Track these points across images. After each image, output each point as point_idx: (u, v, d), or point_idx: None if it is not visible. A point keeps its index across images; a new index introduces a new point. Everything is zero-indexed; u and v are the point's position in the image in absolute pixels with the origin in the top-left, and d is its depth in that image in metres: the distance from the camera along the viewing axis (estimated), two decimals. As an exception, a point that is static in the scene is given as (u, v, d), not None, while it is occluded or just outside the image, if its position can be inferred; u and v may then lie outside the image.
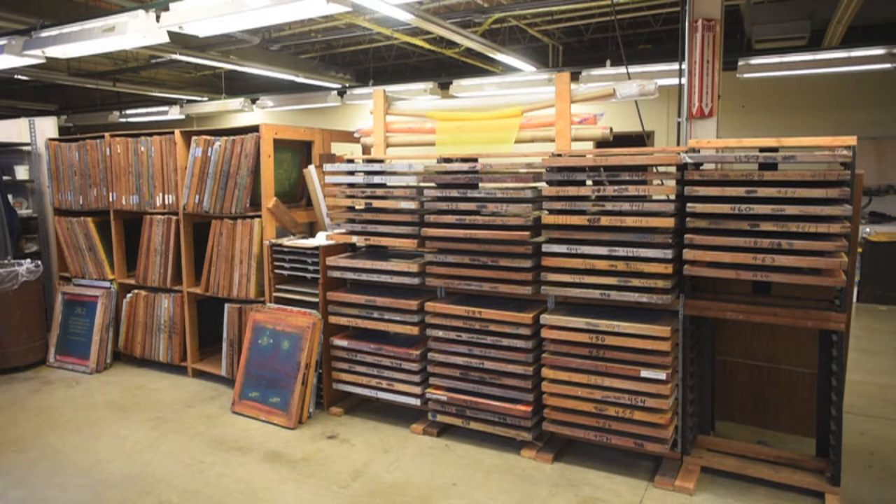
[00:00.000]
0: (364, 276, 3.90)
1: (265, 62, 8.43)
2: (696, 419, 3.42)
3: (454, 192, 3.56)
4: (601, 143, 3.90)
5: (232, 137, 4.36)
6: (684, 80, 4.49)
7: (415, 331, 3.70)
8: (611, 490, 3.10)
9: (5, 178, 5.72)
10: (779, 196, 2.79)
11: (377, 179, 3.83)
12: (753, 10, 6.69)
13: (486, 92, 8.06)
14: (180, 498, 3.10)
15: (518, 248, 3.39)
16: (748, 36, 7.21)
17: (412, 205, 3.71)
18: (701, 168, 3.05)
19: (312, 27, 7.66)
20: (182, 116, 10.99)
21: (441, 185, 3.62)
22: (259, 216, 4.33)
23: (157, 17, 4.29)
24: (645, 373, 3.04)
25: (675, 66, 4.92)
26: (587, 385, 3.18)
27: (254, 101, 10.13)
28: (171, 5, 4.21)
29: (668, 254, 2.99)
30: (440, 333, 3.58)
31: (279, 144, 4.47)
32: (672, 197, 3.16)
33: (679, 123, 4.63)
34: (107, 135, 5.06)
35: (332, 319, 4.01)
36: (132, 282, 5.10)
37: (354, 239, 3.96)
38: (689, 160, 3.00)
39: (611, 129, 3.64)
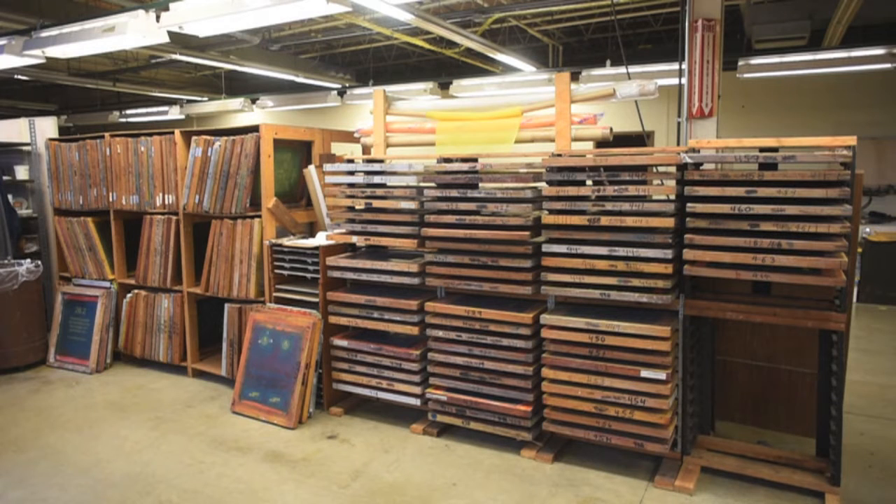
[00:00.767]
0: (364, 276, 3.90)
1: (265, 62, 8.43)
2: (696, 419, 3.42)
3: (454, 192, 3.56)
4: (601, 143, 3.90)
5: (232, 137, 4.36)
6: (684, 80, 4.49)
7: (415, 331, 3.70)
8: (611, 490, 3.10)
9: (5, 178, 5.72)
10: (779, 196, 2.79)
11: (377, 179, 3.83)
12: (753, 10, 6.69)
13: (486, 92, 8.06)
14: (180, 498, 3.10)
15: (518, 248, 3.39)
16: (748, 36, 7.21)
17: (412, 205, 3.71)
18: (701, 168, 3.05)
19: (312, 27, 7.66)
20: (182, 116, 10.99)
21: (441, 185, 3.62)
22: (259, 216, 4.33)
23: (157, 17, 4.29)
24: (645, 373, 3.04)
25: (675, 66, 4.92)
26: (587, 385, 3.18)
27: (254, 101, 10.12)
28: (171, 5, 4.21)
29: (668, 254, 2.99)
30: (440, 333, 3.58)
31: (279, 144, 4.47)
32: (672, 197, 3.16)
33: (679, 123, 4.63)
34: (107, 135, 5.06)
35: (332, 319, 4.01)
36: (132, 282, 5.10)
37: (354, 239, 3.96)
38: (689, 160, 3.00)
39: (611, 129, 3.64)
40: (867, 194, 7.78)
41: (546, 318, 3.27)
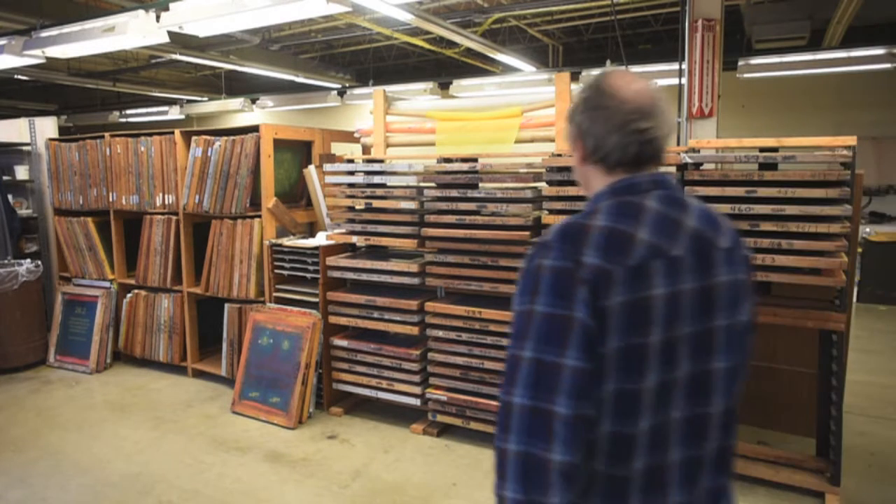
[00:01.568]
0: (364, 276, 3.90)
1: (265, 62, 8.42)
2: (696, 419, 3.41)
3: (454, 192, 3.56)
4: (601, 143, 3.90)
5: (232, 137, 4.36)
6: (684, 80, 4.49)
7: (415, 331, 3.69)
8: (611, 490, 3.10)
9: (5, 178, 5.72)
10: (779, 196, 2.79)
11: (377, 179, 3.83)
12: (753, 10, 6.69)
13: (486, 92, 8.05)
14: (180, 498, 3.10)
15: (518, 248, 3.39)
16: (748, 36, 7.20)
17: (412, 205, 3.71)
18: (701, 168, 3.05)
19: (312, 27, 7.66)
20: (182, 116, 10.98)
21: (441, 185, 3.62)
22: (259, 216, 4.33)
23: (157, 17, 4.29)
24: (645, 373, 3.03)
25: (675, 66, 4.91)
26: (587, 385, 3.17)
27: (254, 101, 10.12)
28: (171, 5, 4.21)
29: (668, 254, 2.99)
30: (440, 333, 3.58)
31: (279, 144, 4.47)
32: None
33: (679, 123, 4.63)
34: (107, 135, 5.06)
35: (332, 319, 4.01)
36: (132, 282, 5.10)
37: (354, 239, 3.96)
38: (689, 160, 3.00)
39: (611, 129, 3.63)
40: (867, 194, 7.77)
41: (546, 318, 3.26)
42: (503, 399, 1.08)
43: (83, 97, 12.52)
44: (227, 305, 4.53)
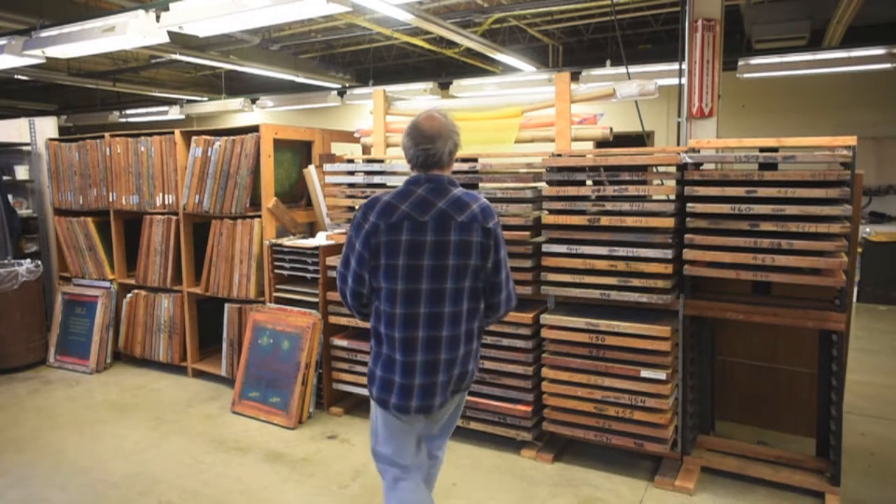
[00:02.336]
0: (364, 276, 3.89)
1: (265, 62, 8.42)
2: (696, 419, 3.42)
3: (454, 192, 3.56)
4: (601, 143, 3.90)
5: (232, 137, 4.36)
6: (684, 80, 4.49)
7: (415, 331, 3.69)
8: (611, 490, 3.10)
9: (5, 178, 5.72)
10: (779, 196, 2.79)
11: (377, 179, 3.83)
12: (753, 10, 6.69)
13: (486, 92, 8.05)
14: (180, 498, 3.10)
15: (518, 248, 3.39)
16: (748, 36, 7.21)
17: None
18: (701, 168, 3.05)
19: (312, 27, 7.66)
20: (182, 116, 10.98)
21: (441, 185, 3.61)
22: (259, 216, 4.33)
23: (157, 17, 4.29)
24: (645, 373, 3.04)
25: (675, 66, 4.91)
26: (587, 385, 3.18)
27: (254, 101, 10.12)
28: (171, 5, 4.21)
29: (668, 254, 2.99)
30: (440, 333, 3.57)
31: (279, 144, 4.47)
32: (672, 197, 3.15)
33: (679, 123, 4.63)
34: (107, 135, 5.06)
35: (332, 319, 4.01)
36: (132, 282, 5.10)
37: (354, 239, 3.95)
38: (689, 160, 3.00)
39: (611, 129, 3.64)
40: (867, 194, 7.77)
41: (546, 318, 3.27)
42: (338, 271, 2.22)
43: (83, 97, 12.52)
44: (227, 305, 4.53)
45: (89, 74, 9.27)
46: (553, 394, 3.28)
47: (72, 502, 3.09)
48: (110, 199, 5.07)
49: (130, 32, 4.27)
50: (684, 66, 4.48)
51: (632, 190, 3.08)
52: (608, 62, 7.36)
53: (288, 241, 4.24)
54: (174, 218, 4.75)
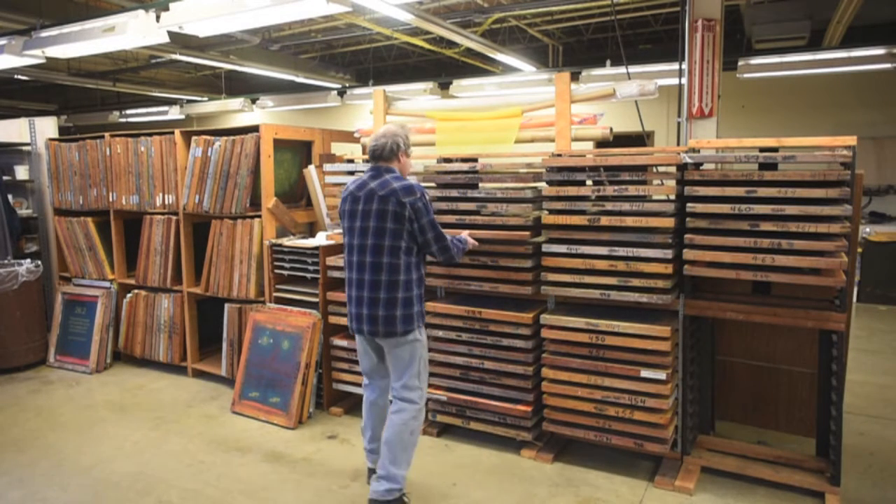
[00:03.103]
0: (364, 276, 3.89)
1: (265, 62, 8.42)
2: (696, 419, 3.42)
3: (454, 192, 3.56)
4: (601, 143, 3.90)
5: (232, 137, 4.36)
6: (684, 80, 4.49)
7: (415, 331, 3.69)
8: (611, 490, 3.10)
9: (5, 178, 5.71)
10: (779, 196, 2.79)
11: (377, 179, 3.82)
12: (753, 10, 6.69)
13: (486, 92, 8.05)
14: (180, 498, 3.10)
15: (518, 248, 3.39)
16: (748, 36, 7.21)
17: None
18: (701, 168, 3.05)
19: (312, 27, 7.66)
20: (182, 116, 10.98)
21: (441, 185, 3.62)
22: (259, 216, 4.33)
23: (157, 17, 4.29)
24: (645, 373, 3.04)
25: (675, 66, 4.91)
26: (587, 385, 3.18)
27: (254, 101, 10.12)
28: (171, 5, 4.21)
29: (668, 254, 2.99)
30: (440, 333, 3.57)
31: (279, 144, 4.47)
32: (672, 197, 3.16)
33: (679, 123, 4.63)
34: (107, 135, 5.06)
35: (332, 319, 4.01)
36: (132, 282, 5.10)
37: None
38: (689, 160, 3.00)
39: (611, 129, 3.64)
40: (867, 194, 7.77)
41: (546, 318, 3.27)
42: None
43: (83, 97, 12.52)
44: (227, 305, 4.53)
45: (89, 74, 9.27)
46: (553, 394, 3.28)
47: (72, 502, 3.09)
48: (110, 199, 5.07)
49: (130, 32, 4.27)
50: (684, 66, 4.48)
51: (632, 190, 3.08)
52: (608, 62, 7.36)
53: (288, 241, 4.24)
54: (174, 218, 4.75)
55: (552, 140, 3.75)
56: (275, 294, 4.28)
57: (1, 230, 5.37)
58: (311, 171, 4.55)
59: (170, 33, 4.42)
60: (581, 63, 8.25)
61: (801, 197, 2.76)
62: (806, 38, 6.71)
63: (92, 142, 5.13)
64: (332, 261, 3.97)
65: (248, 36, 7.10)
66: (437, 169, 3.63)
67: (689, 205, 2.96)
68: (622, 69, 6.83)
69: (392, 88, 8.46)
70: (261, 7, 3.90)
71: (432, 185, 3.67)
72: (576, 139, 3.71)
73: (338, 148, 5.19)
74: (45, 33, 4.88)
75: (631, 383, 3.07)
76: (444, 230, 2.97)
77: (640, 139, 6.91)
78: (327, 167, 4.03)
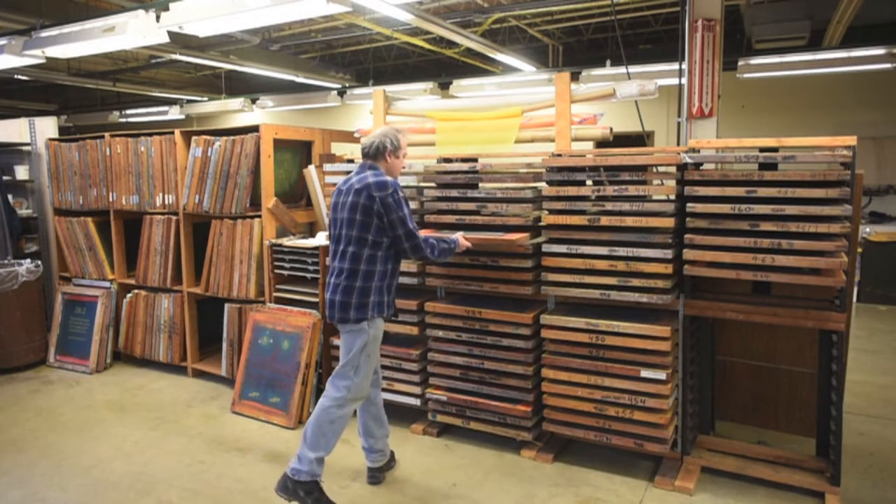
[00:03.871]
0: (364, 276, 3.89)
1: (265, 62, 8.42)
2: (696, 419, 3.42)
3: (454, 192, 3.56)
4: (601, 143, 3.90)
5: (232, 137, 4.36)
6: (684, 80, 4.50)
7: (415, 331, 3.69)
8: (611, 490, 3.10)
9: (5, 178, 5.71)
10: (779, 196, 2.79)
11: (377, 179, 3.82)
12: (753, 10, 6.69)
13: (486, 92, 8.05)
14: (180, 498, 3.10)
15: (518, 248, 3.39)
16: (748, 36, 7.21)
17: (412, 205, 3.71)
18: (701, 168, 3.05)
19: (312, 27, 7.66)
20: (182, 116, 10.98)
21: (441, 185, 3.62)
22: (259, 216, 4.33)
23: (157, 17, 4.29)
24: (645, 373, 3.04)
25: (675, 66, 4.91)
26: (587, 385, 3.18)
27: (254, 101, 10.12)
28: (171, 5, 4.21)
29: (668, 254, 2.99)
30: (440, 333, 3.58)
31: (279, 144, 4.47)
32: (672, 197, 3.15)
33: (679, 123, 4.63)
34: (107, 135, 5.06)
35: (332, 319, 4.00)
36: (132, 282, 5.10)
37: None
38: (689, 160, 3.00)
39: (611, 129, 3.64)
40: (867, 194, 7.77)
41: (546, 318, 3.27)
42: None
43: (83, 97, 12.52)
44: (227, 305, 4.53)
45: (89, 74, 9.27)
46: (553, 394, 3.28)
47: (72, 502, 3.09)
48: (110, 199, 5.07)
49: (130, 32, 4.27)
50: (684, 66, 4.48)
51: (632, 190, 3.08)
52: (608, 62, 7.36)
53: (288, 241, 4.24)
54: (174, 218, 4.75)
55: (552, 140, 3.75)
56: (275, 294, 4.28)
57: (1, 230, 5.37)
58: (311, 171, 4.55)
59: (170, 33, 4.42)
60: (581, 63, 8.26)
61: (801, 197, 2.76)
62: (806, 38, 6.71)
63: (92, 142, 5.13)
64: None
65: (248, 36, 7.10)
66: (437, 169, 3.63)
67: (689, 205, 2.96)
68: (622, 69, 6.83)
69: (392, 88, 8.46)
70: (261, 7, 3.90)
71: (432, 185, 3.67)
72: (576, 139, 3.71)
73: (338, 148, 5.19)
74: (45, 33, 4.88)
75: (631, 383, 3.07)
76: (439, 231, 3.04)
77: (640, 139, 6.91)
78: (327, 167, 4.03)
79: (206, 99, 10.89)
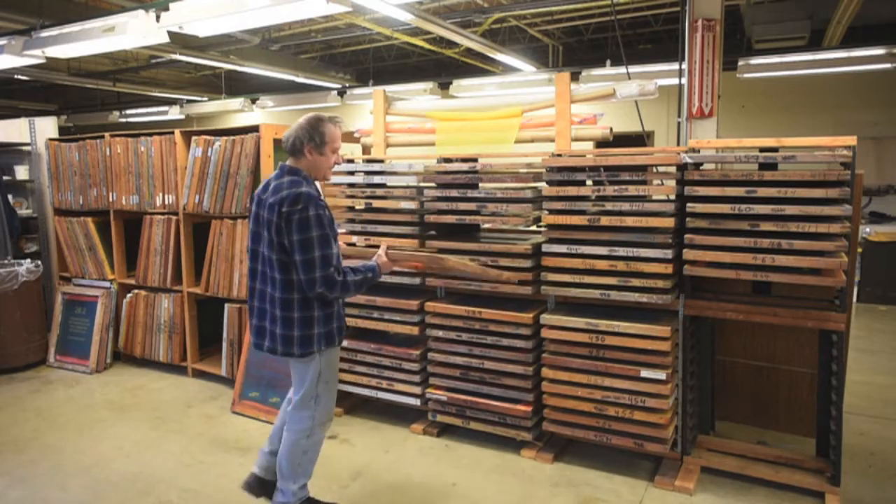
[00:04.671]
0: (364, 276, 3.89)
1: (265, 62, 8.42)
2: (696, 419, 3.42)
3: (454, 192, 3.56)
4: (601, 143, 3.90)
5: (232, 137, 4.36)
6: (684, 80, 4.50)
7: (415, 331, 3.69)
8: (611, 490, 3.10)
9: (5, 178, 5.72)
10: (779, 196, 2.79)
11: (377, 179, 3.83)
12: (753, 10, 6.70)
13: (486, 92, 8.06)
14: (180, 498, 3.10)
15: (518, 248, 3.39)
16: (748, 36, 7.21)
17: (412, 205, 3.71)
18: (701, 168, 3.05)
19: (312, 27, 7.66)
20: (182, 116, 10.99)
21: (441, 185, 3.62)
22: (259, 216, 4.32)
23: (157, 17, 4.29)
24: (645, 373, 3.04)
25: (675, 66, 4.91)
26: (587, 385, 3.18)
27: (254, 101, 10.12)
28: (171, 5, 4.21)
29: (668, 254, 2.99)
30: (440, 333, 3.58)
31: (279, 144, 4.46)
32: (672, 197, 3.15)
33: (679, 123, 4.64)
34: (107, 135, 5.06)
35: (332, 319, 4.00)
36: (132, 282, 5.09)
37: (354, 239, 3.95)
38: (689, 160, 3.00)
39: (611, 129, 3.64)
40: (867, 194, 7.77)
41: (546, 318, 3.27)
42: None
43: (83, 97, 12.52)
44: (227, 305, 4.53)
45: (89, 74, 9.28)
46: (553, 394, 3.28)
47: (72, 502, 3.09)
48: (110, 199, 5.07)
49: (130, 32, 4.28)
50: (684, 66, 4.49)
51: (632, 190, 3.08)
52: (608, 62, 7.36)
53: (288, 241, 4.24)
54: (174, 218, 4.75)
55: (552, 140, 3.75)
56: (275, 294, 4.27)
57: (1, 230, 5.37)
58: (311, 171, 4.54)
59: (170, 33, 4.43)
60: (581, 63, 8.26)
61: (801, 197, 2.76)
62: (806, 38, 6.72)
63: (92, 142, 5.13)
64: (332, 261, 3.97)
65: (248, 36, 7.10)
66: (437, 169, 3.63)
67: (689, 205, 2.96)
68: (622, 69, 6.83)
69: (392, 88, 8.46)
70: (261, 7, 3.90)
71: (432, 185, 3.67)
72: (576, 139, 3.71)
73: (338, 148, 5.18)
74: (45, 33, 4.88)
75: (631, 383, 3.07)
76: (350, 258, 2.72)
77: (640, 139, 6.91)
78: (327, 167, 4.02)
79: (206, 99, 10.89)
